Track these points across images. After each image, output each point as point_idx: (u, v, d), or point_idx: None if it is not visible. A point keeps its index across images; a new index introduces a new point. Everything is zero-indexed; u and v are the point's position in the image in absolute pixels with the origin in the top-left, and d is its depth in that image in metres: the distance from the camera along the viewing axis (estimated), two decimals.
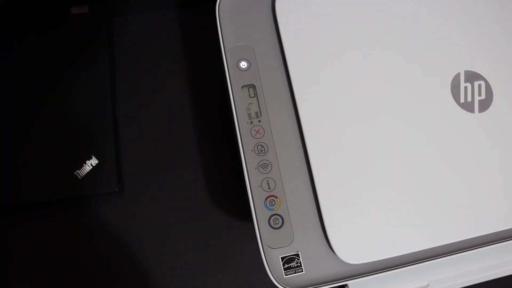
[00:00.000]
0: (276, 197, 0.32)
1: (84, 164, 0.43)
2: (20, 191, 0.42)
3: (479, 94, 0.35)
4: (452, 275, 0.35)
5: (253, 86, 0.34)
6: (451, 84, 0.35)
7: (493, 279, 0.35)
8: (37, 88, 0.45)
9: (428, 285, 0.34)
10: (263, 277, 0.41)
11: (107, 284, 0.42)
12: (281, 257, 0.30)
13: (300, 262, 0.30)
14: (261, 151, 0.32)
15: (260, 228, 0.31)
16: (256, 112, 0.33)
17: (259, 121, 0.33)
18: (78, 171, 0.42)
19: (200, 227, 0.43)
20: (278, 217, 0.31)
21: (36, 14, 0.47)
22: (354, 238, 0.30)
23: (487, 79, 0.35)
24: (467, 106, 0.34)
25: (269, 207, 0.31)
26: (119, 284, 0.42)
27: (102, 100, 0.45)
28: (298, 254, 0.31)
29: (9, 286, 0.41)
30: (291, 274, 0.30)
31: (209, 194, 0.44)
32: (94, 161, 0.43)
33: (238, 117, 0.33)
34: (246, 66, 0.34)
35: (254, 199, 0.31)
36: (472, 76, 0.35)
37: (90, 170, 0.43)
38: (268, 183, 0.32)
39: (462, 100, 0.34)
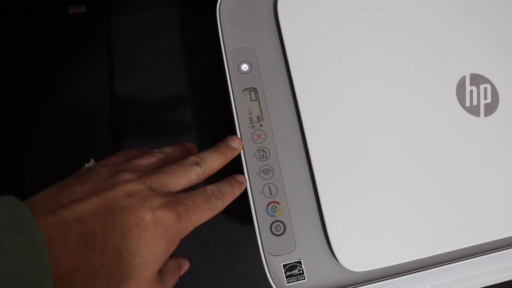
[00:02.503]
0: (278, 203, 0.31)
1: (82, 167, 0.42)
2: (17, 196, 0.41)
3: (485, 98, 0.34)
4: (454, 279, 0.34)
5: (255, 90, 0.33)
6: (457, 87, 0.34)
7: (496, 284, 0.34)
8: (34, 89, 0.44)
9: None
10: (265, 282, 0.41)
11: None
12: (283, 265, 0.30)
13: (302, 270, 0.30)
14: (263, 156, 0.32)
15: (261, 235, 0.30)
16: (258, 116, 0.33)
17: (261, 125, 0.32)
18: None
19: (201, 230, 0.43)
20: (280, 224, 0.31)
21: (33, 13, 0.46)
22: (357, 245, 0.30)
23: (493, 82, 0.35)
24: (473, 110, 0.34)
25: (271, 213, 0.31)
26: None
27: (100, 100, 0.44)
28: (301, 261, 0.30)
29: None
30: (293, 281, 0.30)
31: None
32: (92, 164, 0.42)
33: (239, 121, 0.32)
34: (248, 69, 0.34)
35: (255, 205, 0.31)
36: (477, 79, 0.34)
37: None
38: (270, 189, 0.31)
39: (467, 104, 0.34)
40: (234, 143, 0.30)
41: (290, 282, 0.30)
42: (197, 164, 0.27)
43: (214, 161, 0.28)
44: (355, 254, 0.30)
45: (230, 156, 0.30)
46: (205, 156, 0.28)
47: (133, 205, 0.23)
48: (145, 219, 0.23)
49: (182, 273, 0.28)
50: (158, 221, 0.23)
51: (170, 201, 0.24)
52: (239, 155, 0.32)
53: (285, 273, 0.30)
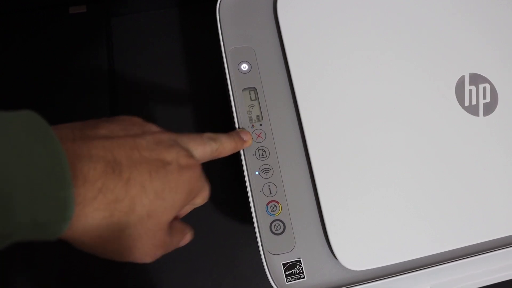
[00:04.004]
0: (278, 203, 0.31)
1: None
2: None
3: (484, 97, 0.34)
4: (454, 278, 0.34)
5: (254, 89, 0.33)
6: (456, 87, 0.34)
7: (495, 283, 0.34)
8: (34, 89, 0.44)
9: None
10: (264, 281, 0.41)
11: (108, 284, 0.41)
12: (283, 263, 0.30)
13: (302, 269, 0.30)
14: (263, 155, 0.32)
15: (261, 234, 0.30)
16: (258, 116, 0.33)
17: (261, 124, 0.33)
18: None
19: (200, 229, 0.43)
20: (280, 223, 0.31)
21: (33, 13, 0.46)
22: (356, 244, 0.30)
23: (492, 81, 0.35)
24: (472, 110, 0.34)
25: (271, 212, 0.31)
26: (119, 285, 0.41)
27: (100, 100, 0.44)
28: (300, 260, 0.30)
29: None
30: (293, 280, 0.30)
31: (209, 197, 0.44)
32: None
33: (239, 121, 0.33)
34: (247, 69, 0.34)
35: (255, 204, 0.31)
36: (477, 79, 0.35)
37: None
38: (269, 188, 0.31)
39: (466, 103, 0.34)
40: (245, 136, 0.31)
41: (289, 281, 0.30)
42: (213, 140, 0.28)
43: (227, 143, 0.29)
44: (355, 253, 0.30)
45: (240, 146, 0.31)
46: (220, 137, 0.29)
47: (161, 149, 0.23)
48: (172, 164, 0.23)
49: (183, 243, 0.28)
50: (183, 171, 0.23)
51: (194, 156, 0.25)
52: (239, 154, 0.32)
53: (285, 272, 0.30)
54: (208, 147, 0.27)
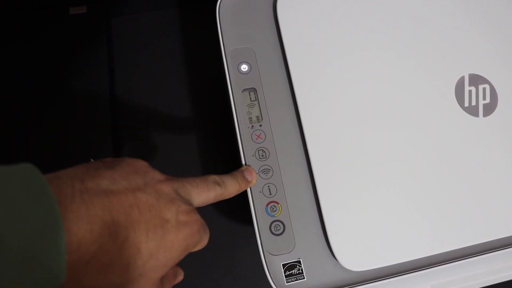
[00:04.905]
0: (278, 203, 0.31)
1: None
2: None
3: (484, 98, 0.34)
4: (453, 279, 0.34)
5: (254, 90, 0.33)
6: (455, 87, 0.34)
7: (495, 284, 0.34)
8: (34, 89, 0.44)
9: None
10: (264, 282, 0.41)
11: None
12: (283, 264, 0.30)
13: (301, 269, 0.30)
14: (262, 156, 0.32)
15: (261, 235, 0.30)
16: (257, 117, 0.33)
17: (260, 125, 0.33)
18: None
19: None
20: (280, 223, 0.31)
21: (33, 14, 0.46)
22: (356, 244, 0.30)
23: (491, 82, 0.35)
24: (472, 110, 0.34)
25: (270, 213, 0.31)
26: None
27: (100, 101, 0.44)
28: (300, 261, 0.30)
29: None
30: (293, 281, 0.30)
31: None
32: None
33: (239, 122, 0.33)
34: (247, 69, 0.34)
35: (255, 205, 0.31)
36: (476, 80, 0.35)
37: None
38: (269, 189, 0.31)
39: (466, 104, 0.34)
40: (250, 176, 0.31)
41: (289, 282, 0.30)
42: (218, 184, 0.28)
43: (231, 186, 0.29)
44: (355, 254, 0.30)
45: (244, 187, 0.30)
46: (225, 180, 0.28)
47: (161, 206, 0.23)
48: (170, 222, 0.23)
49: (175, 282, 0.28)
50: (181, 228, 0.23)
51: (194, 211, 0.25)
52: (239, 155, 0.32)
53: (285, 272, 0.30)
54: (212, 193, 0.27)
